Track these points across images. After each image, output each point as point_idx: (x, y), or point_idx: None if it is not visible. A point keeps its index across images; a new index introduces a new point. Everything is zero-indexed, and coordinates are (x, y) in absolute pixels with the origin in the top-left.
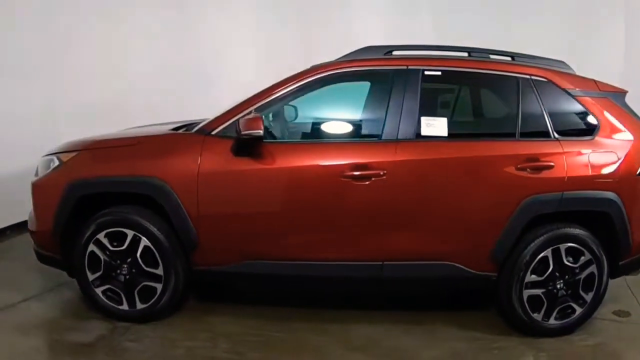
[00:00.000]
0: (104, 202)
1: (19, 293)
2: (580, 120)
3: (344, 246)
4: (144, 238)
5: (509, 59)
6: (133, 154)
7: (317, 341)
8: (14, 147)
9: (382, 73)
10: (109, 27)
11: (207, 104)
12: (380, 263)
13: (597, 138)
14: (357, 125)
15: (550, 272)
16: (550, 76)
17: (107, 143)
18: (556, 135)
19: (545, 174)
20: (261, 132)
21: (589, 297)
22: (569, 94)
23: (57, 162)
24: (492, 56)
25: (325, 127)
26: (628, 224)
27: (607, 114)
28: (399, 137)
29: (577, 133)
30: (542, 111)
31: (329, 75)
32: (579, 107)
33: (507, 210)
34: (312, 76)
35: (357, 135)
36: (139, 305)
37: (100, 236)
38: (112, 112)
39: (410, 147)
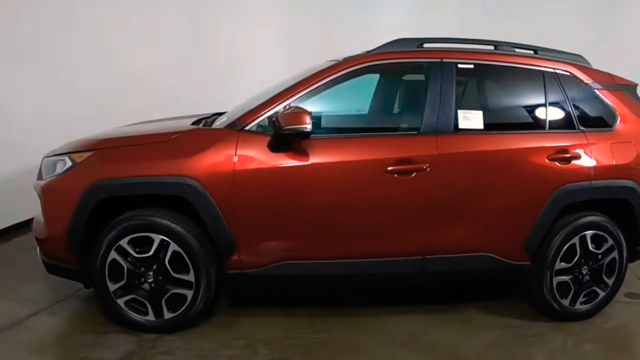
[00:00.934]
0: (122, 205)
1: (24, 306)
2: (600, 113)
3: (386, 242)
4: (172, 243)
5: (531, 52)
6: (162, 153)
7: (357, 340)
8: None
9: (417, 65)
10: (120, 17)
11: (222, 99)
12: (422, 257)
13: (616, 129)
14: (396, 118)
15: (577, 259)
16: (573, 70)
17: (129, 141)
18: (581, 127)
19: (574, 164)
20: (309, 127)
21: (610, 281)
22: (590, 87)
23: (69, 163)
24: (516, 50)
25: (363, 121)
26: None
27: (623, 106)
28: (438, 130)
29: (598, 125)
30: (567, 104)
31: (363, 67)
32: (599, 100)
33: (541, 201)
34: (346, 68)
35: (397, 129)
36: (167, 315)
37: (123, 242)
38: (115, 107)
39: (450, 141)
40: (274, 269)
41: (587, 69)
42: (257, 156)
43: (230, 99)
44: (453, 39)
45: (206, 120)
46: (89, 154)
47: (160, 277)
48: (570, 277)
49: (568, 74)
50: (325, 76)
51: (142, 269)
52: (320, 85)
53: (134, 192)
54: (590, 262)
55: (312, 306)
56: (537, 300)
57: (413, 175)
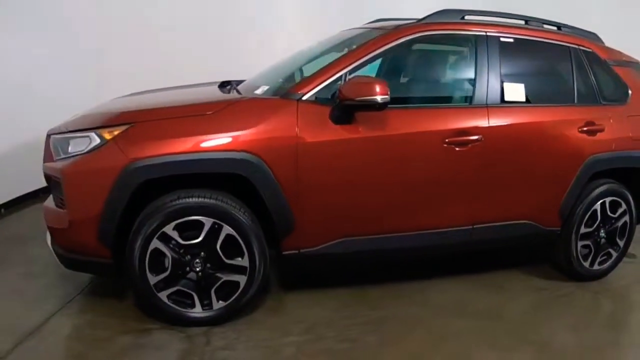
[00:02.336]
0: (156, 188)
1: (35, 308)
2: (616, 88)
3: (441, 213)
4: (226, 226)
5: (555, 28)
6: (215, 125)
7: (412, 313)
8: None
9: (465, 38)
10: None
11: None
12: (471, 227)
13: (629, 103)
14: (448, 90)
15: (598, 224)
16: (594, 47)
17: (173, 112)
18: (602, 101)
19: (599, 136)
20: (388, 97)
21: (622, 243)
22: (607, 63)
23: (97, 140)
24: (544, 25)
25: (417, 91)
26: None
27: (633, 81)
28: (488, 102)
29: (615, 99)
30: (590, 79)
31: (416, 37)
32: (615, 76)
33: (574, 170)
34: (400, 38)
35: (450, 100)
36: (217, 305)
37: (168, 229)
38: (127, 75)
39: (499, 112)
40: (331, 247)
41: (603, 46)
42: (320, 128)
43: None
44: (487, 12)
45: (230, 88)
46: (123, 128)
47: (208, 265)
48: (591, 240)
49: (590, 50)
50: (380, 45)
51: (188, 257)
52: (374, 55)
53: (185, 171)
54: (607, 226)
55: (356, 283)
56: (563, 263)
57: (469, 146)
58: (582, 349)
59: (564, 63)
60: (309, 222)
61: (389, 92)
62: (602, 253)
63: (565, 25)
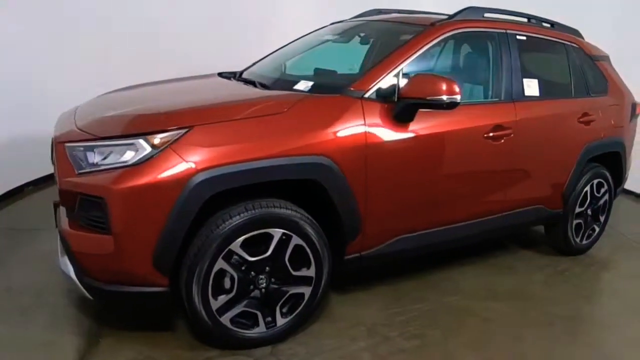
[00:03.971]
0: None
1: (52, 334)
2: (599, 80)
3: (480, 204)
4: (295, 236)
5: (549, 25)
6: (284, 126)
7: (455, 302)
8: None
9: (490, 35)
10: None
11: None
12: (501, 215)
13: (609, 94)
14: (485, 86)
15: (588, 203)
16: (579, 43)
17: (232, 112)
18: (591, 93)
19: (592, 125)
20: (460, 96)
21: (602, 218)
22: (591, 58)
23: (147, 148)
24: (543, 23)
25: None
26: (625, 159)
27: (610, 74)
28: (513, 97)
29: (599, 90)
30: (581, 73)
31: (451, 35)
32: (597, 69)
33: (575, 157)
34: (439, 35)
35: (487, 97)
36: (281, 321)
37: (235, 246)
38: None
39: (523, 107)
40: (387, 246)
41: (585, 42)
42: (385, 127)
43: None
44: (495, 10)
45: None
46: (179, 132)
47: (273, 279)
48: (582, 218)
49: (577, 46)
50: (425, 43)
51: (252, 273)
52: (420, 53)
53: (258, 180)
54: (593, 205)
55: (387, 279)
56: (560, 241)
57: (502, 140)
58: (608, 317)
59: (561, 59)
60: (372, 224)
61: (460, 92)
62: (589, 229)
63: (555, 23)
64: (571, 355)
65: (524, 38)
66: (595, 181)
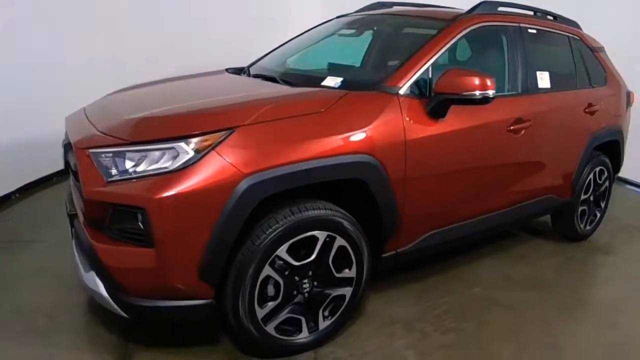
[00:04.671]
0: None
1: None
2: (599, 71)
3: (502, 196)
4: (338, 237)
5: (552, 18)
6: (329, 125)
7: (481, 293)
8: None
9: (506, 29)
10: None
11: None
12: (519, 205)
13: (607, 85)
14: (505, 80)
15: (592, 190)
16: (580, 35)
17: (274, 111)
18: (592, 84)
19: (596, 115)
20: (493, 92)
21: (603, 204)
22: (590, 49)
23: (189, 152)
24: (548, 16)
25: None
26: (623, 147)
27: (608, 65)
28: (529, 90)
29: (599, 81)
30: (583, 64)
31: (476, 28)
32: (596, 60)
33: (583, 146)
34: (464, 29)
35: (507, 90)
36: (323, 325)
37: (282, 251)
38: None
39: (539, 99)
40: (421, 242)
41: (585, 33)
42: (421, 123)
43: None
44: (505, 3)
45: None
46: (222, 134)
47: (315, 282)
48: (586, 205)
49: (578, 38)
50: (451, 37)
51: (296, 278)
52: (447, 48)
53: (307, 182)
54: (595, 192)
55: (402, 272)
56: (567, 227)
57: (522, 132)
58: (622, 301)
59: (566, 51)
60: (409, 220)
61: (494, 87)
62: (591, 215)
63: (554, 14)
64: (600, 339)
65: (535, 31)
66: (598, 169)
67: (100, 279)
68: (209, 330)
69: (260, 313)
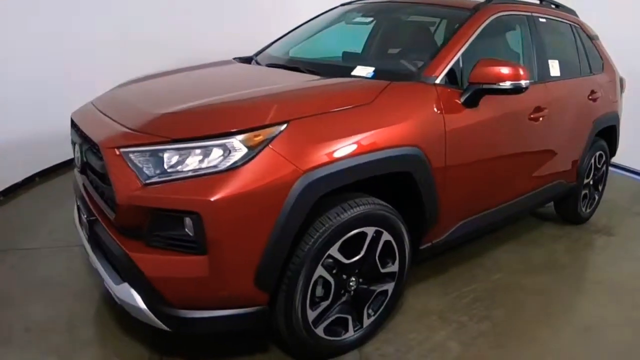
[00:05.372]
0: None
1: None
2: (597, 58)
3: (523, 183)
4: (385, 232)
5: (554, 6)
6: (377, 117)
7: (503, 279)
8: None
9: (521, 18)
10: None
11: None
12: (534, 192)
13: (604, 71)
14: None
15: (592, 174)
16: (580, 23)
17: (323, 104)
18: (593, 71)
19: (598, 101)
20: (526, 82)
21: (601, 188)
22: (589, 37)
23: (242, 149)
24: (551, 5)
25: None
26: (619, 132)
27: (604, 52)
28: (544, 78)
29: (598, 68)
30: (584, 52)
31: (499, 17)
32: (594, 48)
33: (587, 132)
34: (488, 18)
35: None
36: (366, 322)
37: (334, 250)
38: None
39: (552, 87)
40: (454, 232)
41: (583, 22)
42: (457, 113)
43: None
44: None
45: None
46: (277, 129)
47: (361, 280)
48: (587, 189)
49: (578, 26)
50: (477, 27)
51: (344, 277)
52: (475, 37)
53: (361, 177)
54: (595, 175)
55: (423, 263)
56: (571, 212)
57: (540, 120)
58: (633, 280)
59: (570, 39)
60: (445, 211)
61: (528, 78)
62: (591, 198)
63: (556, 2)
64: (628, 319)
65: (544, 20)
66: (597, 153)
67: (137, 291)
68: (242, 337)
69: (312, 315)
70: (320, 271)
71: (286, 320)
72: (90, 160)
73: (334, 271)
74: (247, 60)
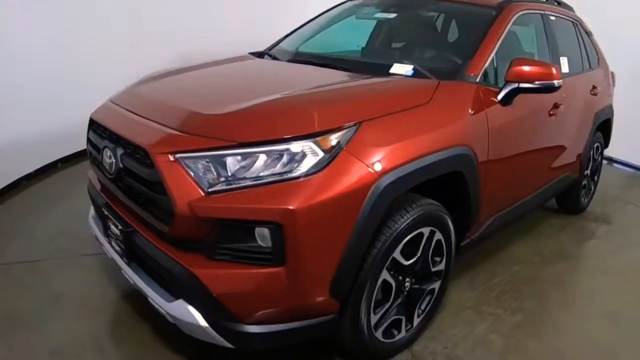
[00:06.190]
0: None
1: None
2: (594, 53)
3: (542, 176)
4: (437, 231)
5: (556, 4)
6: (434, 117)
7: (522, 270)
8: None
9: (536, 16)
10: None
11: None
12: (550, 184)
13: (600, 66)
14: None
15: (590, 165)
16: (579, 19)
17: (388, 105)
18: (592, 66)
19: (598, 95)
20: (559, 81)
21: (596, 178)
22: (587, 33)
23: (319, 152)
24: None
25: None
26: (612, 124)
27: (597, 48)
28: None
29: (595, 64)
30: (584, 48)
31: (520, 15)
32: (591, 43)
33: (590, 125)
34: (514, 16)
35: None
36: (416, 321)
37: (397, 252)
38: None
39: (564, 84)
40: (486, 228)
41: (580, 18)
42: (497, 112)
43: None
44: None
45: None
46: (350, 131)
47: (413, 280)
48: (586, 180)
49: (578, 22)
50: (505, 24)
51: (400, 278)
52: (504, 35)
53: (424, 179)
54: (592, 166)
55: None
56: (572, 202)
57: (556, 116)
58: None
59: (573, 36)
60: (484, 207)
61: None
62: (588, 188)
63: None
64: None
65: (554, 18)
66: (595, 145)
67: (197, 308)
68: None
69: (374, 319)
70: (384, 275)
71: (351, 327)
72: (131, 167)
73: (392, 273)
74: (262, 55)
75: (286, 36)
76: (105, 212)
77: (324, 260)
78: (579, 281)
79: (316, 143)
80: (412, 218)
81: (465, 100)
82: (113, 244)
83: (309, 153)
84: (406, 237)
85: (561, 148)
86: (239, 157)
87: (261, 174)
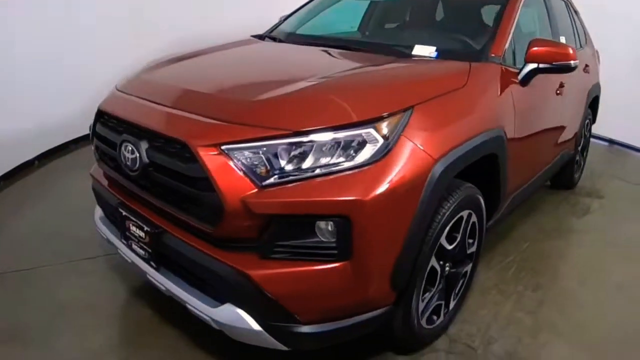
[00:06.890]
0: None
1: None
2: (583, 32)
3: (550, 154)
4: (473, 214)
5: None
6: (472, 100)
7: (532, 248)
8: None
9: None
10: None
11: None
12: (554, 161)
13: (588, 45)
14: None
15: (582, 141)
16: None
17: (432, 87)
18: (582, 45)
19: (589, 72)
20: (575, 62)
21: (585, 153)
22: (575, 12)
23: (378, 139)
24: None
25: None
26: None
27: (584, 27)
28: None
29: (584, 42)
30: (575, 27)
31: None
32: (580, 22)
33: (584, 102)
34: None
35: None
36: (451, 305)
37: (442, 238)
38: None
39: None
40: (506, 207)
41: None
42: (519, 92)
43: None
44: None
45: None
46: (405, 115)
47: (451, 263)
48: (578, 155)
49: (568, 1)
50: (519, 5)
51: (441, 262)
52: (518, 17)
53: (474, 159)
54: (583, 142)
55: None
56: (566, 178)
57: (560, 94)
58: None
59: (566, 15)
60: (509, 191)
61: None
62: (579, 164)
63: None
64: None
65: None
66: (587, 121)
67: (248, 312)
68: None
69: (421, 306)
70: (432, 261)
71: (404, 316)
72: (163, 162)
73: (437, 259)
74: (263, 38)
75: (287, 17)
76: (124, 213)
77: (387, 251)
78: (583, 256)
79: (375, 129)
80: (456, 202)
81: (494, 81)
82: (134, 247)
83: (369, 140)
84: (451, 221)
85: (564, 125)
86: (294, 147)
87: (320, 164)
